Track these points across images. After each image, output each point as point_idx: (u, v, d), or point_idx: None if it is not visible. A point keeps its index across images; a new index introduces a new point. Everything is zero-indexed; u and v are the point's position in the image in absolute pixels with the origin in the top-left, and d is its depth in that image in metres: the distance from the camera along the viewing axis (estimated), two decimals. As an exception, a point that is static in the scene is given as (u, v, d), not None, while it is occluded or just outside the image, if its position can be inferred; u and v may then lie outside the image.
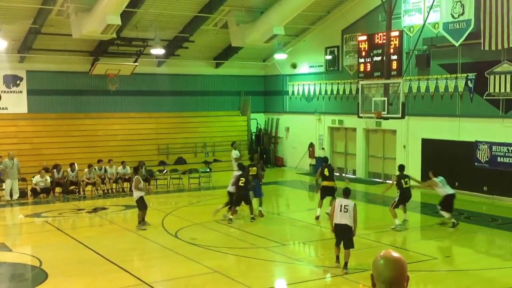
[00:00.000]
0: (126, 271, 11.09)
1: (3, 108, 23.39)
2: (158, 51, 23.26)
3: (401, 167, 15.60)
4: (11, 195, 19.08)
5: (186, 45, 25.26)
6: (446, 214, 14.83)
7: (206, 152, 26.39)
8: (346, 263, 10.94)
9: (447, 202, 14.90)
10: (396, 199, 14.84)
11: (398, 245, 13.32)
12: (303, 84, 26.75)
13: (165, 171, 23.03)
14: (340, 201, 11.17)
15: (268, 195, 18.09)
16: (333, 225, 11.16)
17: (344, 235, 10.99)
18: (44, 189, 19.33)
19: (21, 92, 23.81)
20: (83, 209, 17.91)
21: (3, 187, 19.35)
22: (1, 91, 23.40)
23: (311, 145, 26.11)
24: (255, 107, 28.70)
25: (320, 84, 25.76)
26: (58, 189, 19.89)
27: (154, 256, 12.58)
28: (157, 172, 22.58)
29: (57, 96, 24.39)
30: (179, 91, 26.98)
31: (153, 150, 25.34)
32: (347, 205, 10.99)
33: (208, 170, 23.32)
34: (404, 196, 14.99)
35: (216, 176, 23.25)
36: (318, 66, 25.93)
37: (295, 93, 27.28)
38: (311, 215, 16.02)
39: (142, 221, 14.74)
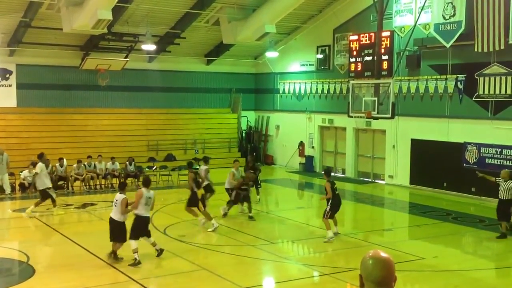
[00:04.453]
0: (114, 267, 11.05)
1: (-8, 102, 23.22)
2: (149, 47, 23.16)
3: (329, 171, 14.26)
4: (2, 190, 18.95)
5: (177, 42, 25.19)
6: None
7: (196, 149, 26.34)
8: None
9: None
10: (328, 208, 13.38)
11: (385, 245, 13.36)
12: (294, 83, 26.78)
13: (155, 167, 22.96)
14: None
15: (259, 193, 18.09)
16: None
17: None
18: (32, 184, 19.20)
19: (10, 85, 23.63)
20: (72, 205, 17.80)
21: None
22: (-10, 85, 23.23)
23: (301, 144, 26.15)
24: (246, 104, 28.69)
25: (311, 83, 25.80)
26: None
27: (142, 252, 12.48)
28: (146, 169, 22.50)
29: (47, 91, 24.22)
30: (169, 88, 26.91)
31: (143, 146, 25.26)
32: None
33: (197, 167, 23.25)
34: (337, 203, 13.65)
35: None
36: (309, 65, 25.97)
37: (286, 91, 27.31)
38: (301, 214, 16.07)
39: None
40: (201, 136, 26.70)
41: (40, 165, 16.03)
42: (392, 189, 21.27)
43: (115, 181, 20.50)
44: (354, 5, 23.51)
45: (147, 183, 11.60)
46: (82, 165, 20.35)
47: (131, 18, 22.53)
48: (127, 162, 21.34)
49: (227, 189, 15.98)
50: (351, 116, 21.03)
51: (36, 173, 16.06)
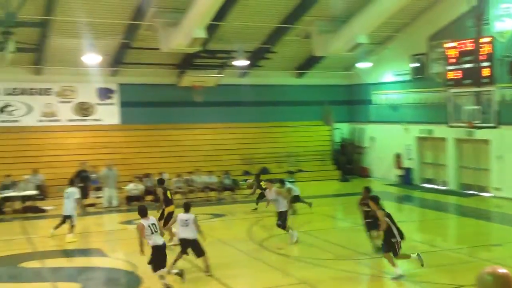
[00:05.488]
0: (216, 278, 11.23)
1: (97, 120, 24.67)
2: (242, 62, 23.61)
3: (377, 198, 11.77)
4: (109, 203, 20.02)
5: (268, 56, 25.52)
6: None
7: (289, 162, 26.33)
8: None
9: None
10: (399, 238, 10.94)
11: (495, 260, 12.61)
12: (389, 93, 26.16)
13: (248, 180, 23.15)
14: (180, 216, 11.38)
15: (355, 207, 17.79)
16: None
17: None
18: (136, 196, 20.12)
19: (113, 104, 24.99)
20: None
21: (101, 195, 20.36)
22: (96, 103, 24.71)
23: (398, 156, 25.43)
24: (339, 116, 28.38)
25: (407, 92, 25.05)
26: (149, 197, 20.61)
27: (242, 265, 12.69)
28: (242, 182, 22.83)
29: (147, 108, 25.34)
30: (262, 102, 27.19)
31: (238, 160, 25.65)
32: (188, 220, 11.21)
33: (292, 180, 23.24)
34: (399, 231, 11.12)
35: (301, 186, 23.13)
36: (404, 74, 25.27)
37: (380, 102, 26.69)
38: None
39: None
40: (294, 149, 26.71)
41: (76, 190, 15.49)
42: (499, 202, 20.01)
43: (213, 194, 20.99)
44: (448, 12, 22.65)
45: (143, 213, 10.56)
46: (181, 179, 21.06)
47: (224, 35, 23.06)
48: (223, 176, 21.79)
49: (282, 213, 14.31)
50: (452, 126, 20.21)
51: (78, 199, 15.47)
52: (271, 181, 14.78)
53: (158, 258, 10.33)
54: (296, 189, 18.35)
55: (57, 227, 15.24)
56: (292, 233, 14.05)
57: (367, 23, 22.15)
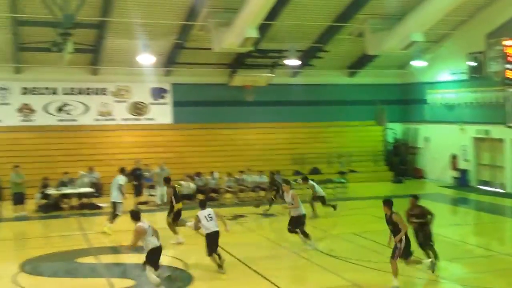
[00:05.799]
0: (266, 278, 11.23)
1: (150, 119, 25.17)
2: (293, 62, 23.52)
3: (390, 202, 10.77)
4: (162, 201, 20.37)
5: (320, 55, 25.34)
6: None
7: (340, 163, 26.07)
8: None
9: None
10: (403, 244, 10.57)
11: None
12: (444, 92, 25.48)
13: (298, 180, 23.03)
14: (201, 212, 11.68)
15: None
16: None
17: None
18: (188, 195, 20.35)
19: (166, 103, 25.44)
20: (224, 216, 18.40)
21: (154, 193, 20.73)
22: (149, 103, 25.24)
23: (454, 157, 24.75)
24: (392, 116, 27.89)
25: (463, 92, 24.35)
26: (200, 196, 20.82)
27: (292, 265, 12.66)
28: (294, 182, 22.72)
29: (199, 107, 25.68)
30: (313, 101, 27.06)
31: (288, 160, 25.58)
32: (210, 214, 11.65)
33: (343, 180, 23.02)
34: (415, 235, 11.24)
35: (352, 186, 22.90)
36: (460, 73, 24.56)
37: (436, 101, 26.04)
38: (456, 231, 15.16)
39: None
40: (346, 150, 26.44)
41: (122, 177, 16.09)
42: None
43: (263, 194, 21.03)
44: (507, 9, 21.97)
45: (138, 217, 10.34)
46: (232, 178, 21.16)
47: (276, 35, 23.07)
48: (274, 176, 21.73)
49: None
50: (510, 127, 19.53)
51: (121, 185, 15.85)
52: (287, 182, 14.39)
53: (153, 259, 10.35)
54: (320, 190, 18.13)
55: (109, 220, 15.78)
56: (309, 242, 13.50)
57: (423, 21, 21.67)
